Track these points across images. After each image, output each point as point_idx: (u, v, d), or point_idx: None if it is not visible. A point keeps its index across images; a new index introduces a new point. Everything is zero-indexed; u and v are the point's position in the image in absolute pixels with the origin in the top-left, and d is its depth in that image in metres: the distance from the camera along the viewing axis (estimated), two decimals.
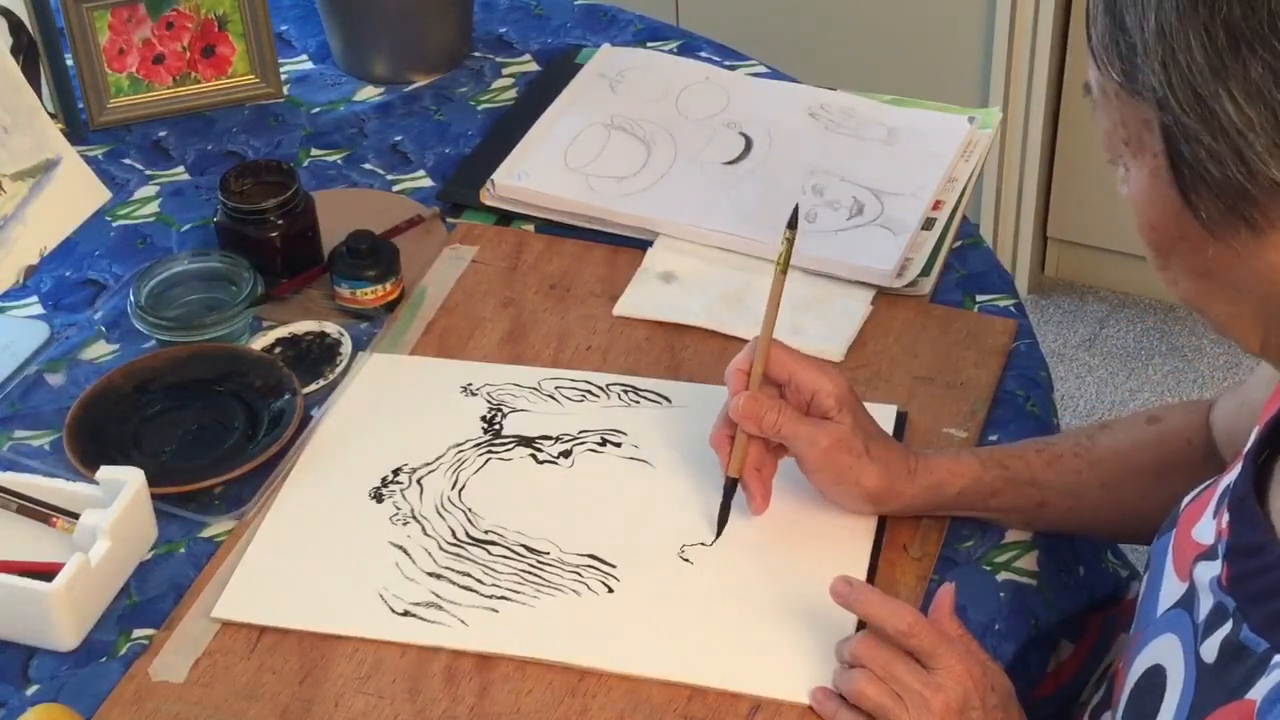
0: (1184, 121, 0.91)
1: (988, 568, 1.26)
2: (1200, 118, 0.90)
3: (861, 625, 1.16)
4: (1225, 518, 1.03)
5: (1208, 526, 1.05)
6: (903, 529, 1.27)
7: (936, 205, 1.55)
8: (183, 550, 1.29)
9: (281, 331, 1.46)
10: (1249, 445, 1.05)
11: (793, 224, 1.26)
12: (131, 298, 1.44)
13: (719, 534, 1.27)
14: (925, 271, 1.49)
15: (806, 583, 1.21)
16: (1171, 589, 1.06)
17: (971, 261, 1.53)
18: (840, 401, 1.22)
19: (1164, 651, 1.04)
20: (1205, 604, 1.02)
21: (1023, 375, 1.41)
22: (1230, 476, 1.05)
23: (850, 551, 1.25)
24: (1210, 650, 1.00)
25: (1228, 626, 0.99)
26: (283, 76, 1.77)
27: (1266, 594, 0.97)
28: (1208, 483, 1.09)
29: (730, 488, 1.26)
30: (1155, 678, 1.04)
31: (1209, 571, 1.02)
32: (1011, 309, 1.48)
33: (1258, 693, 0.95)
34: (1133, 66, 0.92)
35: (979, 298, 1.49)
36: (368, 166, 1.67)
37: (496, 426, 1.36)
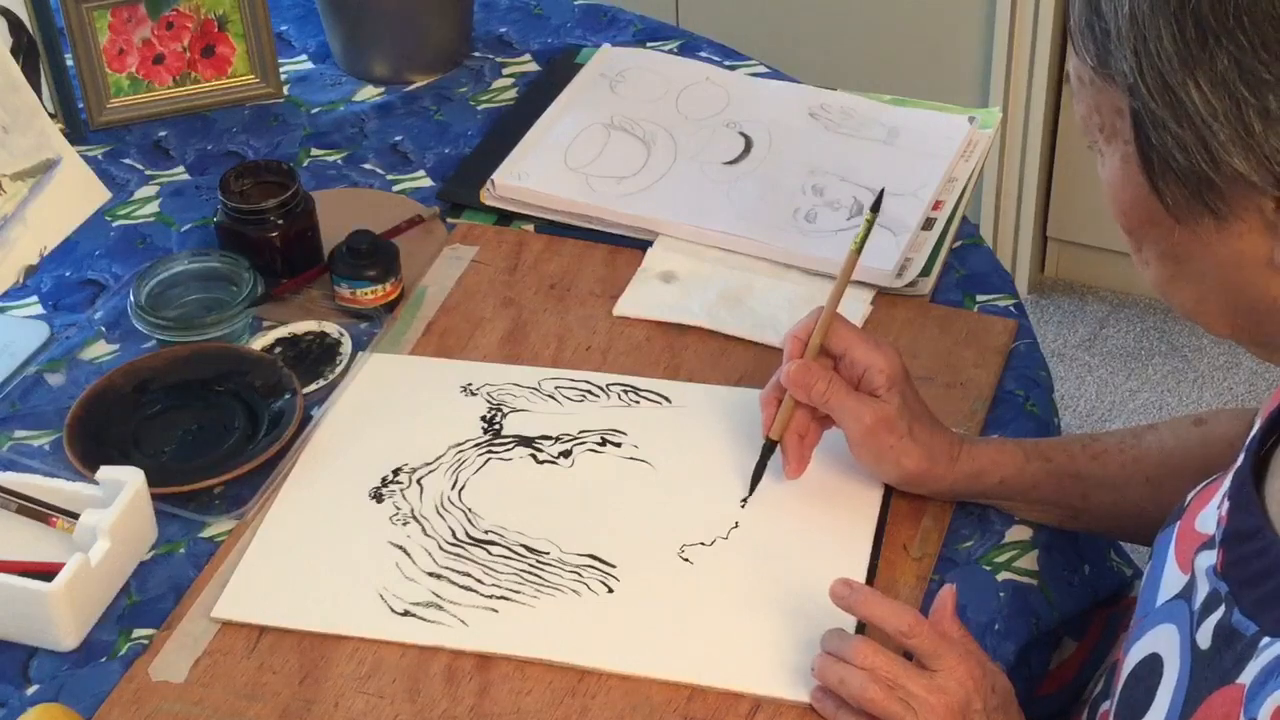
0: (1152, 108, 0.93)
1: (988, 568, 1.26)
2: (1168, 105, 0.92)
3: (861, 627, 1.16)
4: (1226, 506, 1.04)
5: (1211, 517, 1.05)
6: (903, 529, 1.27)
7: (936, 205, 1.55)
8: (183, 550, 1.29)
9: (281, 331, 1.45)
10: (1251, 436, 1.06)
11: (875, 207, 1.29)
12: (131, 298, 1.44)
13: (750, 492, 1.28)
14: (925, 271, 1.49)
15: (806, 583, 1.20)
16: (1173, 580, 1.07)
17: (971, 261, 1.53)
18: (891, 381, 1.24)
19: (1161, 641, 1.05)
20: (1202, 591, 1.02)
21: (1023, 375, 1.41)
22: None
23: (850, 552, 1.25)
24: (1205, 636, 1.00)
25: (1220, 611, 0.99)
26: (283, 76, 1.77)
27: (1258, 577, 0.98)
28: (1215, 476, 1.10)
29: (768, 449, 1.27)
30: (1151, 666, 1.04)
31: (1207, 560, 1.03)
32: (1011, 309, 1.48)
33: (1247, 676, 0.95)
34: (1106, 52, 0.95)
35: (979, 298, 1.49)
36: (368, 166, 1.67)
37: (496, 426, 1.36)
